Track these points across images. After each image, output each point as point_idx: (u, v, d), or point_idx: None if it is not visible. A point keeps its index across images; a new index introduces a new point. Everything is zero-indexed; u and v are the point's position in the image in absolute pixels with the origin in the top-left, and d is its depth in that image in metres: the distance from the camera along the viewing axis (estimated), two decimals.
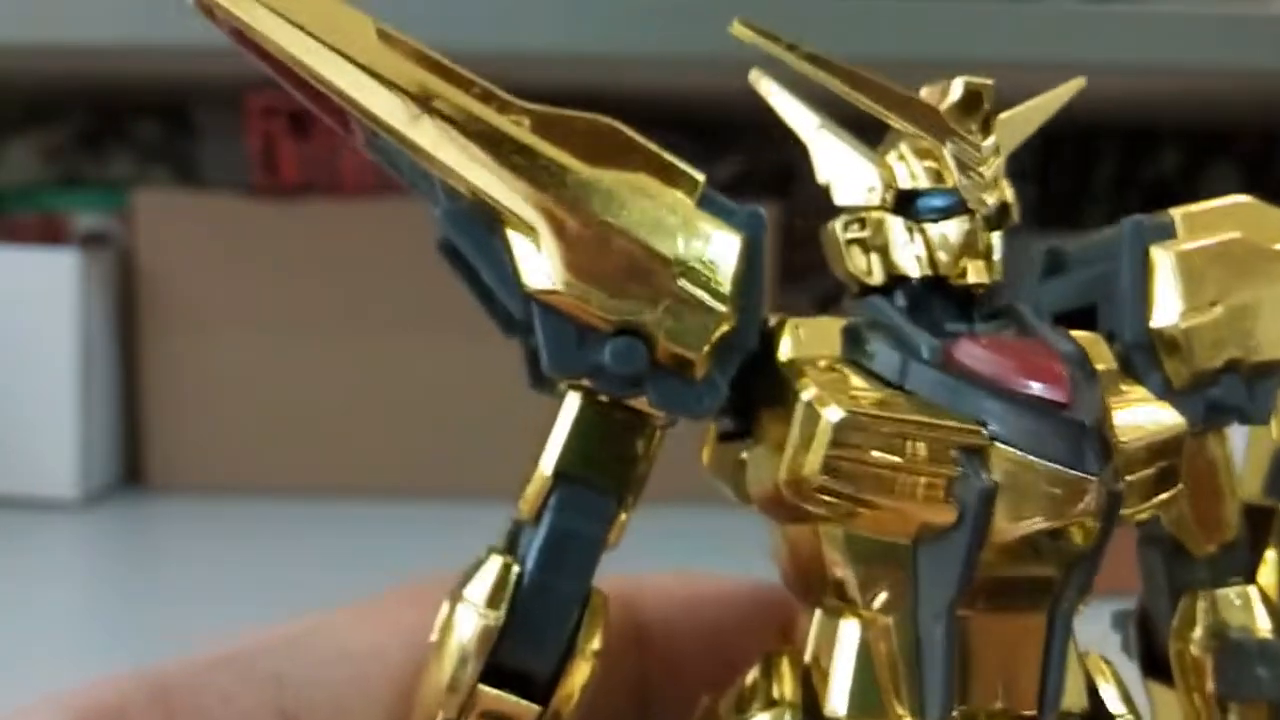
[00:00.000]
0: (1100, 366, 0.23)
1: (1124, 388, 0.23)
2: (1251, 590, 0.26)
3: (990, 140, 0.24)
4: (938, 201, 0.24)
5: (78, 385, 0.79)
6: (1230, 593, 0.26)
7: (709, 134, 0.95)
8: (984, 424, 0.21)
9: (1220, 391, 0.25)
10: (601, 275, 0.22)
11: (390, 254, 0.79)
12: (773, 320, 0.23)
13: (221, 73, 0.80)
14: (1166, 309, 0.25)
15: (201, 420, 0.83)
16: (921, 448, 0.21)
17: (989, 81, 0.24)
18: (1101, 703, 0.23)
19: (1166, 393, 0.24)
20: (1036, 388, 0.21)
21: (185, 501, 0.80)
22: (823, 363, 0.23)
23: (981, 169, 0.24)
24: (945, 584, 0.21)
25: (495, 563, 0.22)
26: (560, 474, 0.22)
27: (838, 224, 0.24)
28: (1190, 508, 0.26)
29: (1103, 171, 1.03)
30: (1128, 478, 0.22)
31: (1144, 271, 0.25)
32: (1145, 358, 0.25)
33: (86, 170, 1.01)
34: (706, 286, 0.22)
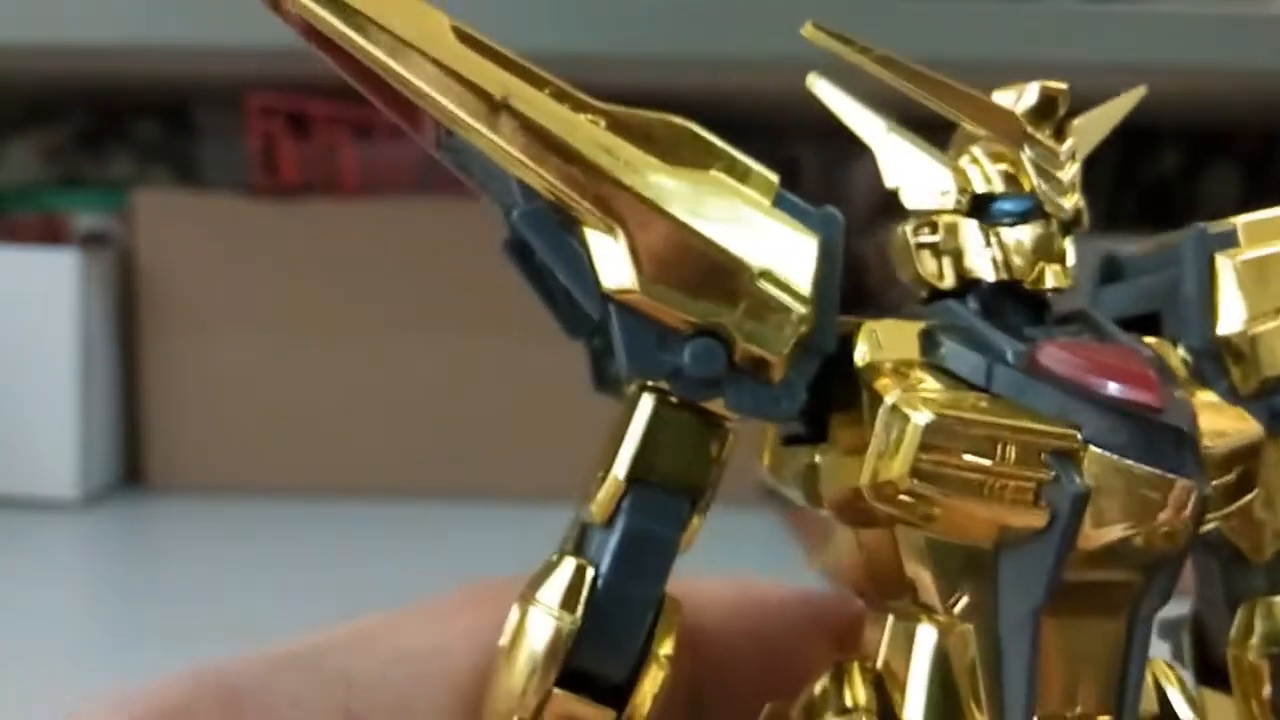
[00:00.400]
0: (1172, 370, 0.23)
1: (1198, 392, 0.23)
2: None
3: (1067, 145, 0.24)
4: (1013, 205, 0.24)
5: (78, 385, 0.79)
6: None
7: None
8: (1078, 427, 0.21)
9: None
10: (681, 276, 0.22)
11: (390, 254, 0.79)
12: (850, 323, 0.23)
13: (221, 73, 0.80)
14: (1232, 317, 0.25)
15: (201, 420, 0.83)
16: (1012, 451, 0.21)
17: (1064, 86, 0.24)
18: (1171, 708, 0.23)
19: (1232, 399, 0.24)
20: (1128, 392, 0.21)
21: (185, 501, 0.80)
22: (901, 366, 0.22)
23: (1059, 174, 0.24)
24: (1031, 590, 0.21)
25: (569, 565, 0.22)
26: (635, 477, 0.22)
27: (908, 227, 0.24)
28: (1249, 514, 0.26)
29: (1102, 171, 1.03)
30: (1214, 482, 0.22)
31: (1209, 279, 0.25)
32: (1212, 365, 0.25)
33: (86, 170, 1.01)
34: (785, 288, 0.22)
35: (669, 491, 0.22)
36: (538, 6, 0.70)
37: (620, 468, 0.22)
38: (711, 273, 0.22)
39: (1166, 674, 0.24)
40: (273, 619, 0.57)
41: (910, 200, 0.24)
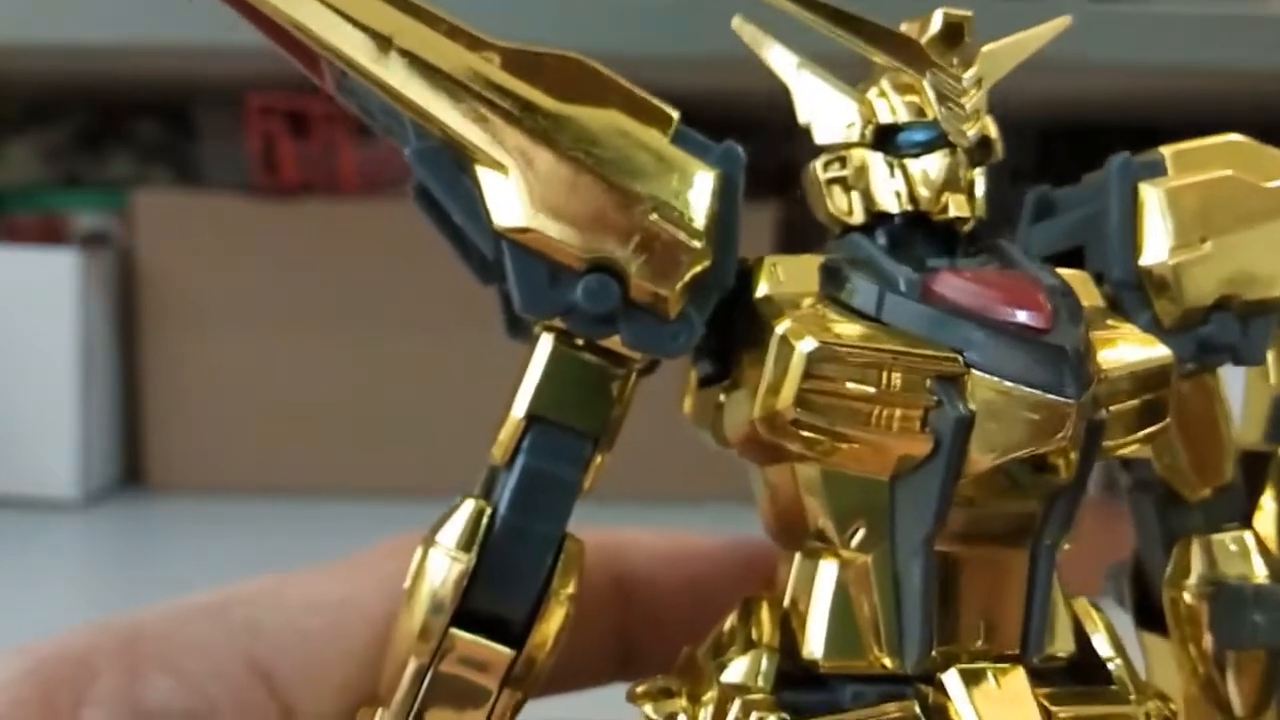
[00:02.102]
0: (1086, 303, 0.23)
1: (1111, 323, 0.23)
2: (1248, 536, 0.25)
3: (971, 72, 0.24)
4: (918, 135, 0.23)
5: (78, 385, 0.79)
6: (1226, 538, 0.25)
7: (708, 133, 0.95)
8: (961, 352, 0.21)
9: (1212, 329, 0.24)
10: (572, 212, 0.21)
11: (390, 254, 0.79)
12: (751, 260, 0.23)
13: (221, 73, 0.80)
14: (1155, 247, 0.24)
15: (201, 420, 0.83)
16: (897, 378, 0.21)
17: (969, 13, 0.24)
18: (1091, 649, 0.23)
19: (1156, 331, 0.24)
20: (1016, 315, 0.21)
21: (185, 501, 0.80)
22: (800, 300, 0.22)
23: (962, 101, 0.23)
24: (921, 518, 0.21)
25: (468, 506, 0.22)
26: (533, 416, 0.22)
27: (818, 164, 0.24)
28: (1183, 450, 0.25)
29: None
30: (1111, 408, 0.21)
31: (1132, 210, 0.25)
32: (1134, 297, 0.24)
33: (86, 170, 1.01)
34: (680, 223, 0.22)
35: (569, 431, 0.22)
36: (537, 6, 0.70)
37: (519, 406, 0.22)
38: (603, 208, 0.22)
39: (1090, 614, 0.23)
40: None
41: (819, 135, 0.24)
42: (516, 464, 0.22)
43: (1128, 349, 0.22)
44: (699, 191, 0.22)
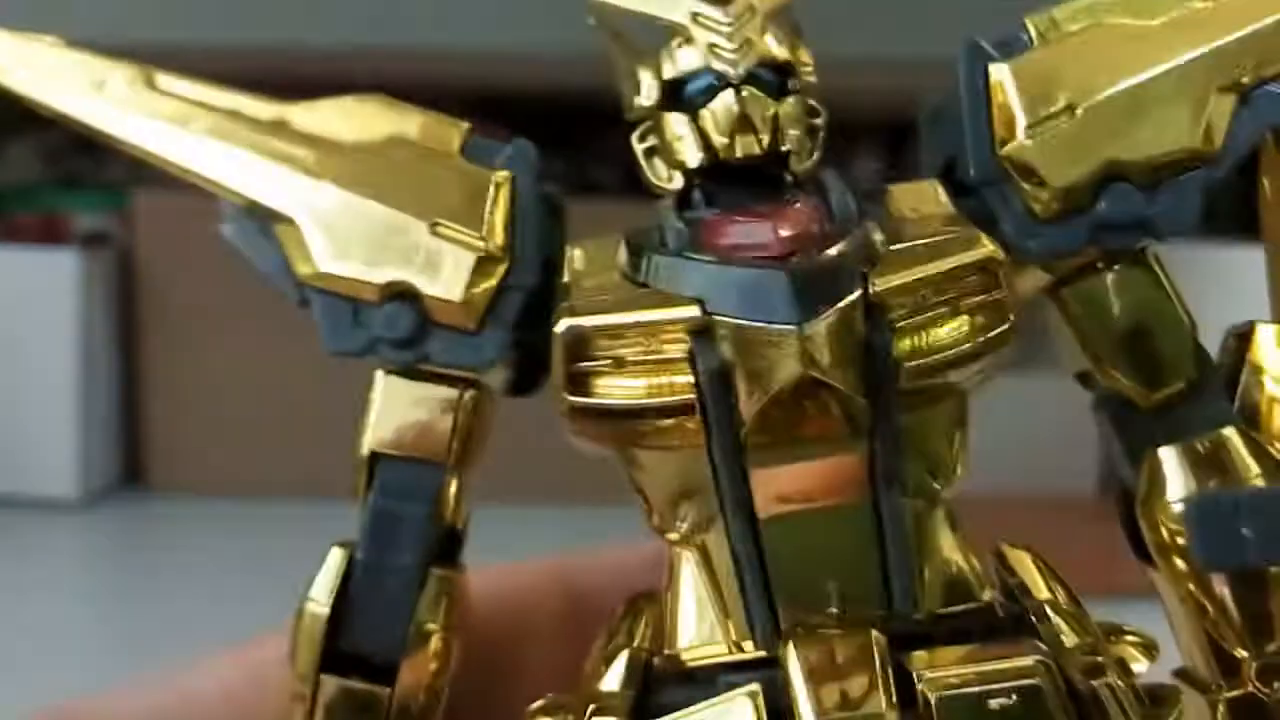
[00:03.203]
0: (921, 212, 0.21)
1: (940, 229, 0.21)
2: (1228, 433, 0.22)
3: (737, 3, 0.22)
4: (700, 83, 0.22)
5: (78, 385, 0.79)
6: (1198, 443, 0.21)
7: None
8: (704, 301, 0.20)
9: (1105, 208, 0.21)
10: (360, 247, 0.22)
11: None
12: (566, 246, 0.22)
13: (222, 73, 0.80)
14: (1010, 130, 0.22)
15: (201, 420, 0.83)
16: (662, 343, 0.20)
17: None
18: (1013, 595, 0.21)
19: (1033, 226, 0.21)
20: (751, 248, 0.20)
21: (185, 501, 0.81)
22: (593, 280, 0.22)
23: (730, 34, 0.22)
24: (726, 481, 0.20)
25: (333, 554, 0.22)
26: (375, 453, 0.23)
27: (634, 136, 0.23)
28: (1120, 352, 0.22)
29: None
30: (912, 322, 0.20)
31: (984, 97, 0.22)
32: (999, 192, 0.22)
33: (86, 170, 1.01)
34: (465, 234, 0.22)
35: (414, 462, 0.22)
36: (538, 7, 0.70)
37: (362, 445, 0.23)
38: (386, 235, 0.22)
39: (1020, 561, 0.22)
40: (273, 619, 0.57)
41: (626, 109, 0.23)
42: (368, 503, 0.23)
43: (929, 257, 0.20)
44: (485, 198, 0.22)
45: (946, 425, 0.21)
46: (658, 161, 0.23)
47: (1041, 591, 0.21)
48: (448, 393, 0.22)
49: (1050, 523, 0.50)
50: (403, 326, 0.22)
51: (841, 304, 0.20)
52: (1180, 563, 0.21)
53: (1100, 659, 0.20)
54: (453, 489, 0.22)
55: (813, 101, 0.22)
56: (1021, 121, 0.21)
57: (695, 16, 0.22)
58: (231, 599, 0.62)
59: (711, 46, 0.22)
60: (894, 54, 0.65)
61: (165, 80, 0.23)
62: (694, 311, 0.20)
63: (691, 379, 0.20)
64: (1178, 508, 0.21)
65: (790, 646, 0.20)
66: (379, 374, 0.22)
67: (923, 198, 0.22)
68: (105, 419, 0.81)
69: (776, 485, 0.20)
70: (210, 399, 0.83)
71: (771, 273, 0.20)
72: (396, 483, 0.22)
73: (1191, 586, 0.21)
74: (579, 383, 0.21)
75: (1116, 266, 0.22)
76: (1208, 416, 0.22)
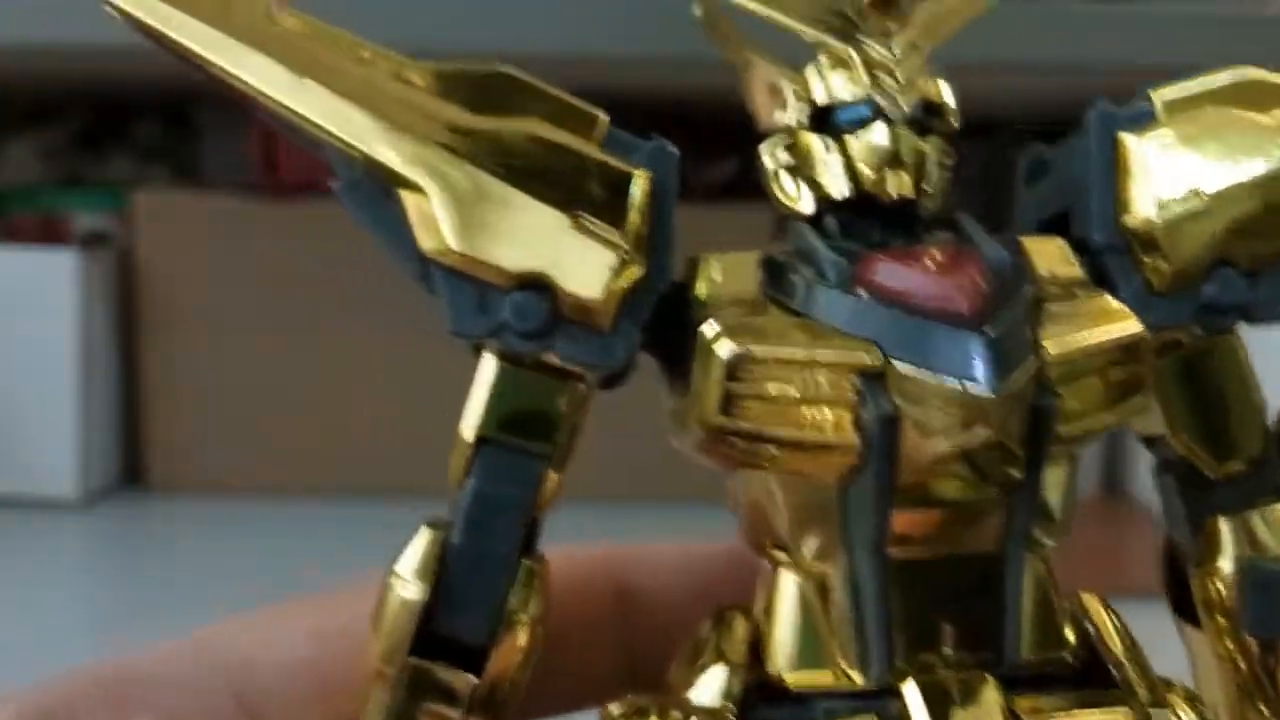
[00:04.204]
0: (1055, 274, 0.22)
1: (1080, 294, 0.21)
2: None
3: (904, 37, 0.22)
4: (853, 112, 0.22)
5: (78, 385, 0.79)
6: (1259, 515, 0.23)
7: (709, 134, 0.95)
8: (880, 345, 0.20)
9: (1213, 289, 0.22)
10: (495, 230, 0.21)
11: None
12: (693, 261, 0.22)
13: None
14: (1140, 203, 0.22)
15: (201, 420, 0.83)
16: (822, 379, 0.20)
17: None
18: (1092, 647, 0.22)
19: (1148, 297, 0.22)
20: (938, 298, 0.20)
21: (185, 501, 0.80)
22: (737, 300, 0.21)
23: (895, 69, 0.22)
24: (868, 521, 0.20)
25: (424, 534, 0.22)
26: (481, 438, 0.22)
27: (764, 151, 0.23)
28: (1199, 423, 0.23)
29: None
30: (1066, 390, 0.20)
31: (1113, 164, 0.22)
32: (1120, 261, 0.22)
33: (86, 170, 1.01)
34: (605, 231, 0.21)
35: (518, 451, 0.22)
36: (538, 7, 0.70)
37: (466, 429, 0.22)
38: (525, 223, 0.21)
39: (1098, 613, 0.22)
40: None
41: (761, 120, 0.23)
42: (467, 487, 0.22)
43: (1089, 325, 0.21)
44: (626, 196, 0.21)
45: (1064, 482, 0.22)
46: (787, 178, 0.22)
47: (1115, 642, 0.22)
48: (558, 384, 0.22)
49: None
50: (533, 318, 0.21)
51: (1024, 369, 0.20)
52: (1224, 621, 0.23)
53: (1170, 714, 0.21)
54: (550, 479, 0.22)
55: (948, 141, 0.22)
56: (1149, 197, 0.22)
57: (860, 47, 0.22)
58: (231, 599, 0.62)
59: (876, 81, 0.22)
60: None
61: (285, 13, 0.22)
62: (875, 358, 0.20)
63: (849, 417, 0.20)
64: (1232, 571, 0.22)
65: (911, 682, 0.20)
66: (487, 358, 0.22)
67: (1053, 256, 0.22)
68: (105, 419, 0.81)
69: (915, 530, 0.21)
70: (210, 399, 0.83)
71: (968, 334, 0.20)
72: (501, 469, 0.22)
73: (1230, 644, 0.23)
74: (729, 405, 0.20)
75: (1207, 342, 0.23)
76: (1270, 490, 0.23)
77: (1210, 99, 0.23)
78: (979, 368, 0.19)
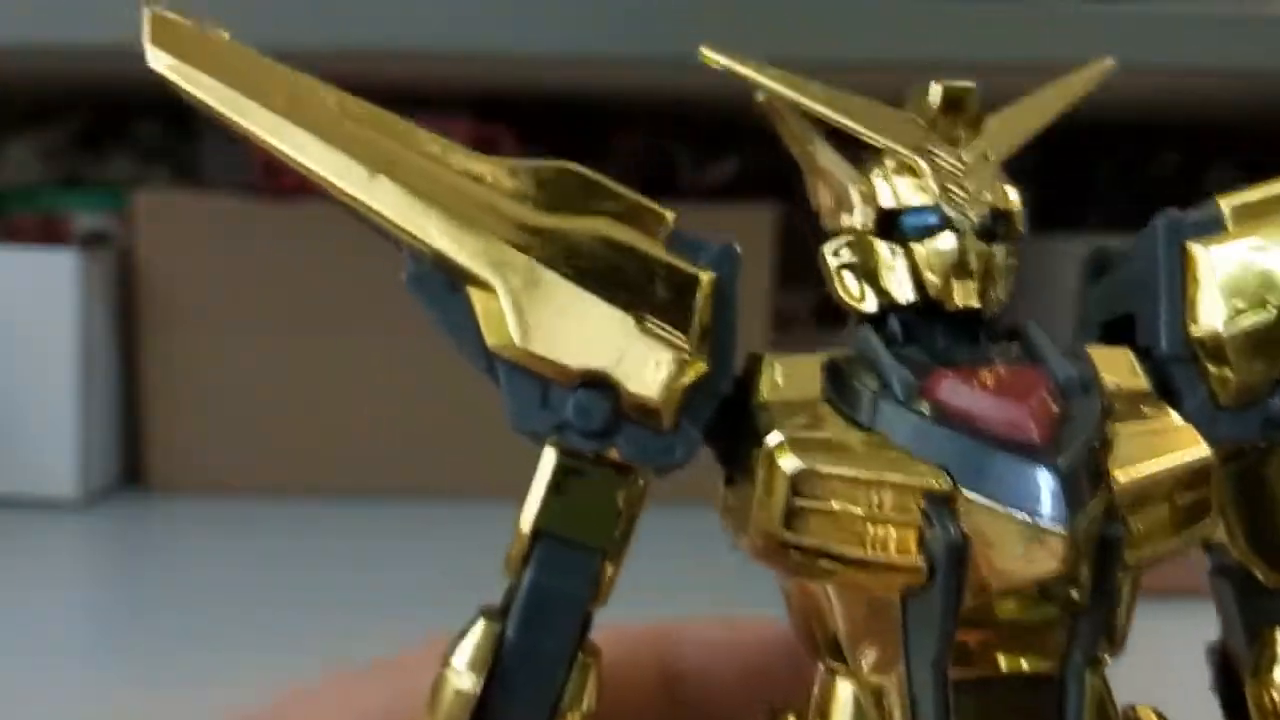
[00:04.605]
0: (1122, 388, 0.21)
1: (1147, 412, 0.21)
2: None
3: (976, 146, 0.22)
4: (921, 219, 0.22)
5: (78, 385, 0.79)
6: None
7: (708, 134, 0.95)
8: (949, 470, 0.20)
9: None
10: (561, 328, 0.21)
11: (390, 254, 0.79)
12: (752, 358, 0.22)
13: None
14: (1207, 314, 0.22)
15: (201, 420, 0.83)
16: (887, 498, 0.20)
17: (969, 84, 0.23)
18: None
19: (1213, 411, 0.22)
20: (1006, 425, 0.20)
21: (185, 501, 0.80)
22: (799, 405, 0.21)
23: (965, 180, 0.22)
24: (929, 641, 0.20)
25: (480, 625, 0.22)
26: (539, 531, 0.22)
27: (827, 249, 0.23)
28: (1257, 534, 0.23)
29: (1102, 171, 1.03)
30: (1135, 517, 0.20)
31: (1180, 273, 0.22)
32: (1186, 372, 0.22)
33: (86, 170, 1.01)
34: (669, 332, 0.21)
35: (576, 545, 0.22)
36: (539, 7, 0.70)
37: (525, 521, 0.22)
38: (591, 323, 0.21)
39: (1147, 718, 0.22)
40: (272, 619, 0.57)
41: (827, 219, 0.23)
42: (524, 580, 0.22)
43: (1158, 449, 0.20)
44: (690, 298, 0.21)
45: (1126, 599, 0.22)
46: (850, 276, 0.22)
47: None
48: (618, 479, 0.22)
49: None
50: (597, 418, 0.21)
51: (1095, 502, 0.19)
52: None
53: None
54: (607, 573, 0.22)
55: (1015, 244, 0.22)
56: (1218, 309, 0.22)
57: (930, 155, 0.22)
58: (232, 599, 0.62)
59: (946, 190, 0.22)
60: (894, 56, 0.65)
61: (356, 106, 0.22)
62: (944, 483, 0.20)
63: (914, 538, 0.20)
64: None
65: None
66: (548, 451, 0.22)
67: (1118, 367, 0.22)
68: (105, 419, 0.81)
69: (976, 647, 0.20)
70: (210, 399, 0.83)
71: (1039, 467, 0.19)
72: (559, 563, 0.22)
73: None
74: (792, 518, 0.20)
75: (1264, 453, 0.23)
76: None
77: (1277, 206, 0.23)
78: (1049, 503, 0.19)
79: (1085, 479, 0.19)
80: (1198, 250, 0.22)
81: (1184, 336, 0.22)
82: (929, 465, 0.20)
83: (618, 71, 0.75)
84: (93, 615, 0.64)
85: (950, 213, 0.22)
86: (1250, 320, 0.22)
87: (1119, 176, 1.03)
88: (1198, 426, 0.21)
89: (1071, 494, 0.19)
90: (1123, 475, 0.20)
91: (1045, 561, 0.19)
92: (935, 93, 0.22)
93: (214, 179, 0.98)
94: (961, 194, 0.22)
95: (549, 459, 0.22)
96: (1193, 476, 0.21)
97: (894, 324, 0.22)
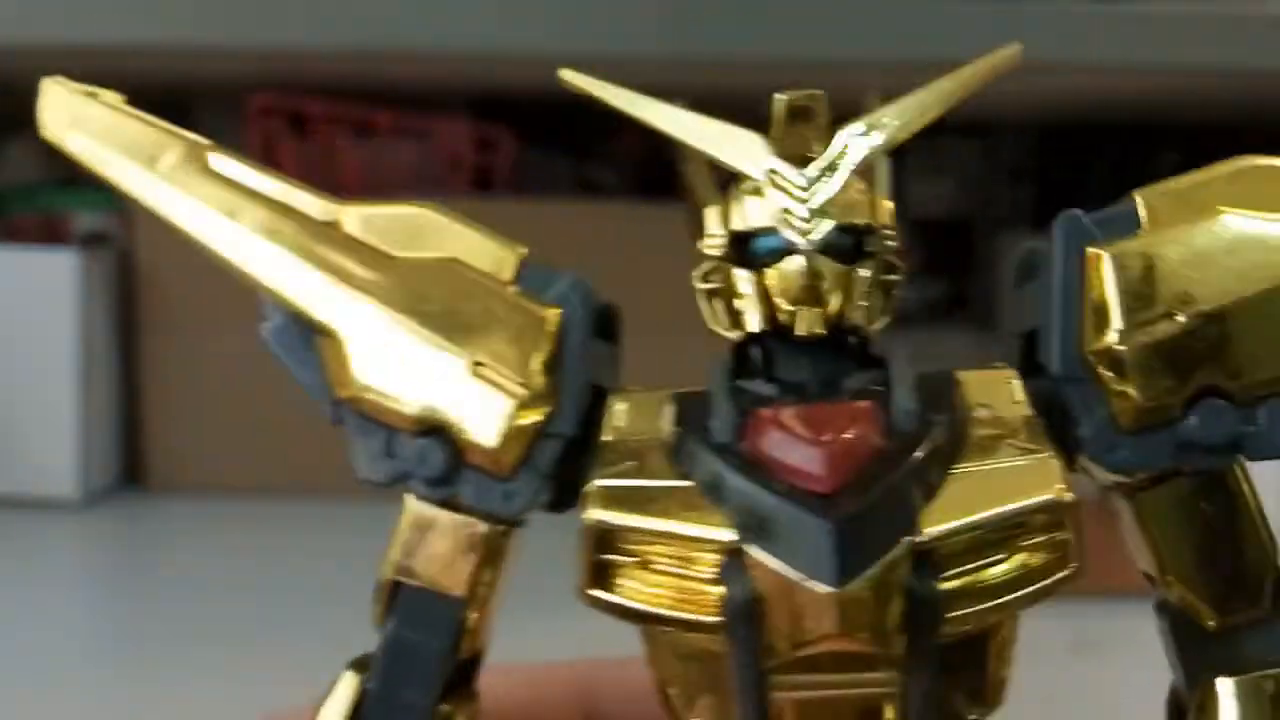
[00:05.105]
0: (996, 417, 0.19)
1: (1011, 446, 0.19)
2: None
3: (819, 164, 0.21)
4: (768, 243, 0.21)
5: (78, 385, 0.79)
6: (1264, 681, 0.20)
7: None
8: (743, 522, 0.18)
9: (1198, 425, 0.19)
10: (401, 375, 0.21)
11: None
12: (601, 396, 0.21)
13: (221, 73, 0.80)
14: (1104, 326, 0.19)
15: (201, 420, 0.83)
16: (689, 552, 0.19)
17: (814, 93, 0.21)
18: None
19: (1114, 435, 0.19)
20: (800, 476, 0.18)
21: (185, 501, 0.80)
22: (634, 446, 0.20)
23: (809, 198, 0.20)
24: (745, 699, 0.19)
25: (345, 678, 0.22)
26: (399, 580, 0.22)
27: (696, 274, 0.22)
28: (1192, 571, 0.20)
29: (1101, 171, 1.03)
30: (961, 568, 0.18)
31: (1078, 282, 0.20)
32: (1082, 393, 0.19)
33: (86, 170, 1.00)
34: (505, 376, 0.21)
35: (438, 594, 0.21)
36: (539, 7, 0.70)
37: (384, 571, 0.22)
38: (428, 368, 0.21)
39: None
40: (272, 619, 0.57)
41: (697, 242, 0.22)
42: (386, 631, 0.22)
43: (994, 493, 0.18)
44: (532, 337, 0.21)
45: (994, 651, 0.20)
46: (718, 305, 0.21)
47: None
48: (476, 527, 0.21)
49: None
50: (435, 464, 0.21)
51: (886, 558, 0.18)
52: None
53: None
54: (474, 622, 0.22)
55: (892, 258, 0.21)
56: (1116, 321, 0.19)
57: (771, 174, 0.21)
58: (231, 599, 0.62)
59: (785, 211, 0.20)
60: (895, 56, 0.65)
61: (217, 161, 0.22)
62: (728, 535, 0.19)
63: (715, 595, 0.19)
64: None
65: None
66: (407, 499, 0.22)
67: (997, 392, 0.20)
68: (105, 419, 0.81)
69: (799, 713, 0.19)
70: (210, 399, 0.83)
71: (815, 521, 0.18)
72: (417, 614, 0.22)
73: None
74: (602, 574, 0.19)
75: (1198, 478, 0.20)
76: (1276, 649, 0.20)
77: (1202, 198, 0.20)
78: (822, 562, 0.18)
79: (880, 533, 0.18)
80: (1099, 255, 0.20)
81: (1079, 353, 0.19)
82: (724, 517, 0.19)
83: (618, 73, 0.74)
84: (93, 615, 0.64)
85: (788, 235, 0.20)
86: (1155, 332, 0.19)
87: (1117, 176, 1.03)
88: (1095, 455, 0.19)
89: (847, 552, 0.18)
90: (933, 526, 0.18)
91: (819, 623, 0.18)
92: (779, 104, 0.21)
93: None
94: (801, 214, 0.20)
95: (408, 505, 0.22)
96: (1047, 521, 0.18)
97: (755, 353, 0.21)
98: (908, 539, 0.18)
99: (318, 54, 0.68)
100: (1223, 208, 0.20)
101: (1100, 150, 1.03)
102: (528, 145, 0.83)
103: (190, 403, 0.83)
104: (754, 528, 0.18)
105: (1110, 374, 0.19)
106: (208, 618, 0.59)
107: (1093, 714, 0.41)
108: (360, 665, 0.22)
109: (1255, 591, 0.20)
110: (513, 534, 0.22)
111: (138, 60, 0.77)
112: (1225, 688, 0.20)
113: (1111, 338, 0.19)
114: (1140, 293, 0.19)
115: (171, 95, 0.98)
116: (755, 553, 0.18)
